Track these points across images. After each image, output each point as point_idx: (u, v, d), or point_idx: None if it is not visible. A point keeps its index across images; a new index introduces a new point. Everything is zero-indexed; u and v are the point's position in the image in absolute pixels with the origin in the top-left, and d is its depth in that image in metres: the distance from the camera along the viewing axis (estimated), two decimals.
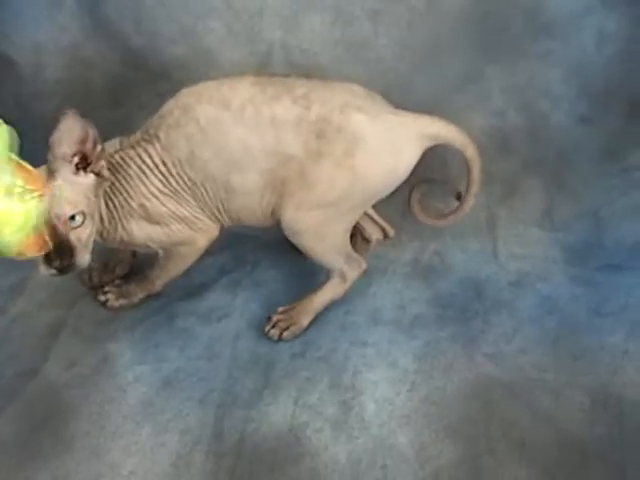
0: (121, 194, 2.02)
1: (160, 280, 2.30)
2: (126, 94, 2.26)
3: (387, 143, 1.93)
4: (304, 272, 2.40)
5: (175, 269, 2.26)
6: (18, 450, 1.92)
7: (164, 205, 2.06)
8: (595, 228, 2.44)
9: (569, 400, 1.99)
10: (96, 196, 1.91)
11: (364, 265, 2.23)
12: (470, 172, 2.07)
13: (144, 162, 2.00)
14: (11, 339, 2.24)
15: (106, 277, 2.41)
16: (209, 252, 2.22)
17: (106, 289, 2.35)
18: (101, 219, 2.01)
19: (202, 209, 2.09)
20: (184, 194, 2.04)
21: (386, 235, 2.43)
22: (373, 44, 2.42)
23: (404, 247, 2.51)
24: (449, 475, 1.82)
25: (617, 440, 1.88)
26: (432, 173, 2.27)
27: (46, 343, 2.22)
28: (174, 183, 2.02)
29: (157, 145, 1.98)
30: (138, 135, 2.04)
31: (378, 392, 2.04)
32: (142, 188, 2.02)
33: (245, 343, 2.21)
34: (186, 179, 2.01)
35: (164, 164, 1.99)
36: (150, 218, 2.07)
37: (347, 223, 2.11)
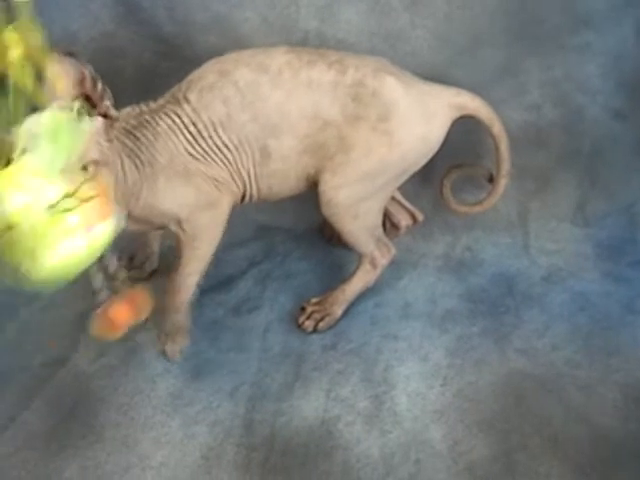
0: (148, 150, 1.92)
1: (192, 274, 2.12)
2: (158, 84, 2.22)
3: (420, 109, 1.95)
4: (334, 264, 2.39)
5: (204, 247, 2.10)
6: (47, 440, 1.92)
7: (192, 164, 1.98)
8: (628, 224, 2.43)
9: (602, 396, 1.97)
10: (109, 140, 1.74)
11: (393, 251, 2.22)
12: (498, 150, 2.10)
13: (174, 122, 1.93)
14: (40, 328, 2.24)
15: (134, 274, 2.33)
16: (239, 243, 2.21)
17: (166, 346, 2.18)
18: (124, 178, 1.87)
19: (231, 173, 2.02)
20: (213, 156, 1.97)
21: (415, 220, 2.41)
22: (409, 36, 2.40)
23: (436, 241, 2.50)
24: (483, 470, 1.80)
25: None
26: (461, 159, 2.26)
27: (75, 333, 2.21)
28: (204, 145, 1.95)
29: (186, 107, 1.93)
30: (161, 100, 2.00)
31: (410, 386, 2.03)
32: (170, 145, 1.93)
33: (275, 335, 2.20)
34: (219, 142, 1.95)
35: (194, 125, 1.93)
36: (178, 174, 1.97)
37: (381, 200, 2.10)
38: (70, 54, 1.67)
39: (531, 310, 2.25)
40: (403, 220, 2.40)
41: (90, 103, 1.68)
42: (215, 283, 2.33)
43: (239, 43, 2.41)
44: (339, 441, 1.90)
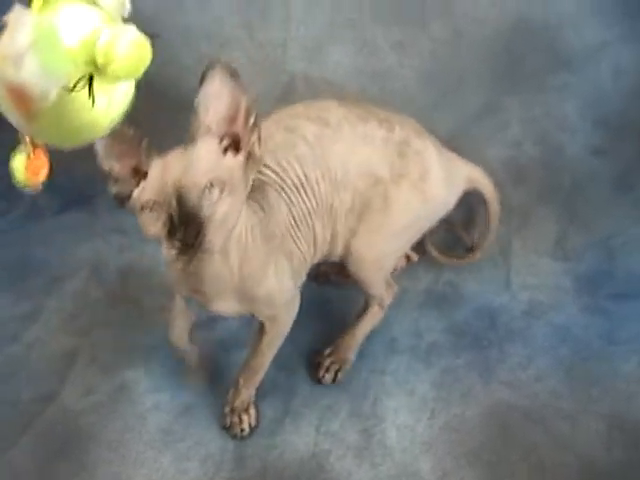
0: (268, 221, 1.72)
1: (273, 354, 2.00)
2: (144, 121, 2.24)
3: (446, 174, 1.97)
4: (320, 301, 2.38)
5: (288, 327, 1.96)
6: (36, 479, 1.92)
7: (288, 240, 1.81)
8: (606, 258, 2.47)
9: (586, 426, 2.02)
10: (245, 180, 1.54)
11: (396, 288, 2.23)
12: (488, 224, 2.19)
13: (274, 190, 1.76)
14: (27, 366, 2.22)
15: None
16: None
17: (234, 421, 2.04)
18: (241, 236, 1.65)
19: (309, 244, 1.87)
20: (301, 227, 1.83)
21: (409, 260, 2.44)
22: (397, 74, 2.46)
23: (418, 277, 2.52)
24: None
25: (635, 464, 1.92)
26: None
27: (62, 370, 2.20)
28: (295, 215, 1.80)
29: (267, 171, 1.75)
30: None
31: (399, 419, 2.06)
32: (280, 218, 1.76)
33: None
34: (304, 208, 1.81)
35: (284, 191, 1.77)
36: (285, 254, 1.80)
37: (401, 252, 2.13)
38: (233, 74, 1.46)
39: (514, 343, 2.28)
40: (399, 262, 2.41)
41: (236, 141, 1.52)
42: (204, 319, 2.32)
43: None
44: (330, 474, 1.92)
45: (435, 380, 2.17)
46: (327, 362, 2.19)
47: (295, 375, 2.20)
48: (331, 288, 2.09)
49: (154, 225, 1.47)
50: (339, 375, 2.17)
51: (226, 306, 1.78)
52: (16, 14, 1.16)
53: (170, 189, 1.43)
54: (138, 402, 2.11)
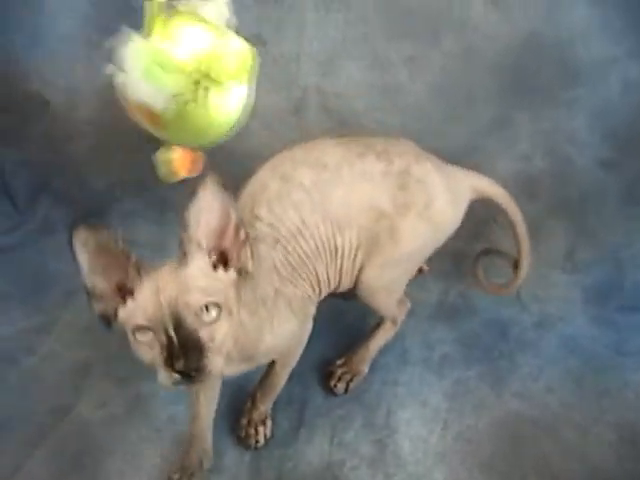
0: (254, 288, 1.68)
1: (288, 374, 2.01)
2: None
3: (451, 192, 1.95)
4: (332, 313, 2.39)
5: (300, 352, 1.98)
6: None
7: (288, 288, 1.80)
8: (615, 270, 2.50)
9: (597, 436, 2.04)
10: (238, 294, 1.52)
11: (409, 305, 2.26)
12: (516, 233, 2.12)
13: (259, 247, 1.71)
14: (42, 379, 2.24)
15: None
16: None
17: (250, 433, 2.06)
18: (244, 331, 1.64)
19: (312, 284, 1.87)
20: (300, 272, 1.82)
21: (421, 271, 2.39)
22: (408, 89, 2.47)
23: (429, 289, 2.55)
24: None
25: None
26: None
27: (77, 383, 2.23)
28: (292, 260, 1.79)
29: (260, 225, 1.74)
30: None
31: (412, 430, 2.08)
32: (270, 274, 1.74)
33: None
34: (301, 252, 1.80)
35: (279, 242, 1.76)
36: (284, 304, 1.78)
37: (411, 275, 2.11)
38: (223, 188, 1.44)
39: (524, 354, 2.31)
40: None
41: (224, 256, 1.50)
42: None
43: None
44: None
45: (447, 391, 2.19)
46: (339, 372, 2.21)
47: (309, 387, 2.22)
48: (346, 301, 2.09)
49: (150, 352, 1.38)
50: (351, 385, 2.19)
51: (231, 370, 1.72)
52: (126, 40, 1.35)
53: (166, 312, 1.35)
54: (153, 414, 2.13)
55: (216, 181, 1.41)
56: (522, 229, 2.11)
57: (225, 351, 1.45)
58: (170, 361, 1.34)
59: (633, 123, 2.30)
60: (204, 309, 1.38)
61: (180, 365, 1.33)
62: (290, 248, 1.78)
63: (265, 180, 1.81)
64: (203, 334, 1.38)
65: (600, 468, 1.95)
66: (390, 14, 2.40)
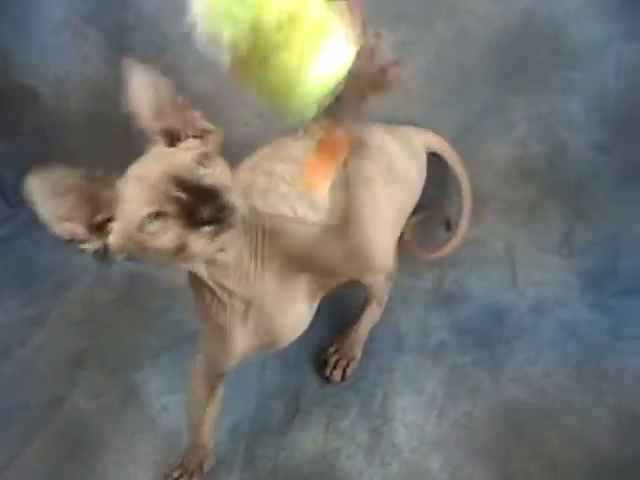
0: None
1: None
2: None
3: (408, 150, 1.99)
4: (328, 300, 2.38)
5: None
6: None
7: None
8: (612, 254, 2.47)
9: (595, 421, 2.02)
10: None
11: (390, 284, 2.25)
12: (460, 190, 2.18)
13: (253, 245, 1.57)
14: (35, 370, 2.25)
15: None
16: None
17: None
18: None
19: None
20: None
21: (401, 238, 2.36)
22: (401, 74, 2.41)
23: (424, 276, 2.53)
24: None
25: None
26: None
27: (71, 374, 2.23)
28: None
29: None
30: None
31: (408, 418, 2.07)
32: None
33: (273, 372, 2.22)
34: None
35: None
36: None
37: (395, 240, 2.06)
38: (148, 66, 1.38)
39: (521, 340, 2.29)
40: None
41: (173, 135, 1.38)
42: None
43: (228, 86, 2.44)
44: (341, 473, 1.93)
45: (443, 378, 2.18)
46: (334, 359, 2.21)
47: (304, 375, 2.21)
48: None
49: (171, 234, 1.24)
50: (347, 372, 2.19)
51: (248, 345, 1.62)
52: None
53: (163, 185, 1.24)
54: (147, 404, 2.13)
55: (138, 62, 1.38)
56: (466, 185, 2.17)
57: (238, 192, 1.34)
58: (195, 217, 1.22)
59: (629, 106, 2.27)
60: (198, 165, 1.28)
61: (206, 212, 1.22)
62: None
63: (250, 178, 1.79)
64: (207, 180, 1.26)
65: (599, 452, 1.93)
66: None
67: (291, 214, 1.74)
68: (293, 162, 1.82)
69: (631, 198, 2.38)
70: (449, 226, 2.21)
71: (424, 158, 2.07)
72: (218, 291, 1.44)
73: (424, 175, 2.06)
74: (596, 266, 2.46)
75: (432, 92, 2.34)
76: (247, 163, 1.88)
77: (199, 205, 1.22)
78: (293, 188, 1.76)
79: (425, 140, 2.12)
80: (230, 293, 1.45)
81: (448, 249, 2.27)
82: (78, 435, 2.05)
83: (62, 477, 1.94)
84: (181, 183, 1.24)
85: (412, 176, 1.99)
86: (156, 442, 2.02)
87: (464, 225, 2.19)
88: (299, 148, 1.84)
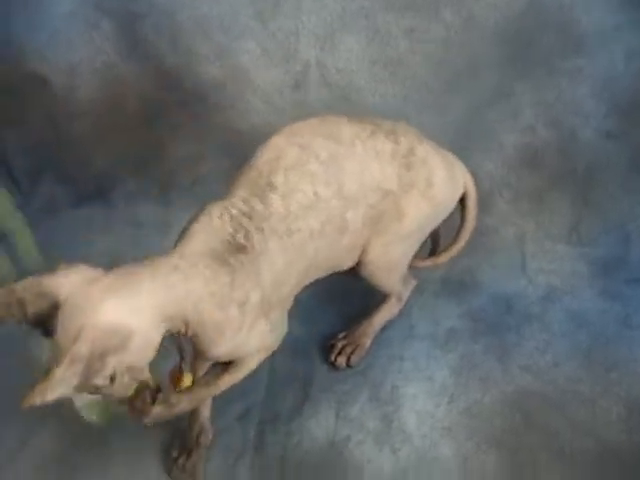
0: (246, 287, 1.57)
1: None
2: (160, 114, 2.26)
3: (450, 175, 1.96)
4: (337, 289, 2.39)
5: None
6: (60, 463, 1.94)
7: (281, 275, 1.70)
8: (621, 242, 2.47)
9: (605, 410, 2.01)
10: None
11: (414, 282, 2.28)
12: (462, 230, 2.17)
13: (271, 227, 1.63)
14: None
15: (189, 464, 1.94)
16: None
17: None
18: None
19: (308, 265, 1.78)
20: (302, 249, 1.72)
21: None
22: (409, 62, 2.46)
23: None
24: None
25: None
26: None
27: None
28: (297, 238, 1.68)
29: (274, 197, 1.66)
30: (241, 191, 1.68)
31: (418, 405, 2.06)
32: (273, 266, 1.65)
33: (282, 358, 2.17)
34: (306, 231, 1.69)
35: (286, 220, 1.66)
36: (270, 315, 1.71)
37: (413, 253, 2.09)
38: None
39: (531, 328, 2.28)
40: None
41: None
42: None
43: (240, 73, 2.46)
44: (350, 460, 1.93)
45: (454, 366, 2.17)
46: (340, 345, 2.21)
47: (313, 362, 2.21)
48: (352, 278, 2.07)
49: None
50: (352, 359, 2.19)
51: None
52: None
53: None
54: None
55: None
56: (467, 234, 2.18)
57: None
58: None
59: (637, 92, 2.27)
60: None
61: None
62: (294, 227, 1.67)
63: (282, 147, 1.74)
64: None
65: (609, 442, 1.92)
66: None
67: (310, 195, 1.69)
68: (335, 141, 1.76)
69: None
70: (433, 253, 2.23)
71: (460, 190, 2.05)
72: None
73: (454, 204, 2.04)
74: (606, 254, 2.45)
75: (440, 79, 2.33)
76: (288, 128, 1.82)
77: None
78: (325, 169, 1.73)
79: (465, 177, 2.07)
80: None
81: (441, 259, 2.26)
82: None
83: (73, 459, 1.94)
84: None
85: (446, 198, 1.97)
86: (166, 425, 2.00)
87: (458, 249, 2.21)
88: (348, 131, 1.81)
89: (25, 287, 1.37)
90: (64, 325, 1.31)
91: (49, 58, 2.63)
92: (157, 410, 1.57)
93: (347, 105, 2.38)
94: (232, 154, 2.32)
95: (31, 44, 2.65)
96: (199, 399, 1.77)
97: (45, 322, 1.38)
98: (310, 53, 2.51)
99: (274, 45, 2.49)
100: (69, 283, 1.36)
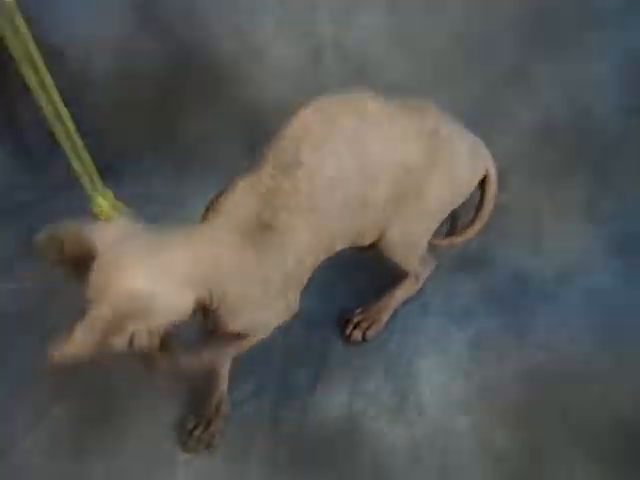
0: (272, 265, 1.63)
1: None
2: (173, 88, 2.25)
3: (472, 158, 1.97)
4: (355, 265, 2.39)
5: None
6: (75, 441, 1.93)
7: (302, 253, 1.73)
8: (638, 221, 2.46)
9: (619, 387, 2.01)
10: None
11: (434, 264, 2.27)
12: (483, 203, 2.15)
13: (298, 206, 1.66)
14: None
15: (206, 436, 1.95)
16: None
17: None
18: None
19: (321, 239, 1.77)
20: (326, 226, 1.74)
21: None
22: (426, 38, 2.45)
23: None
24: (510, 459, 1.83)
25: None
26: None
27: None
28: (321, 215, 1.71)
29: (300, 173, 1.67)
30: (268, 168, 1.69)
31: (433, 379, 2.06)
32: (296, 247, 1.69)
33: (297, 333, 2.22)
34: (328, 208, 1.71)
35: (311, 197, 1.68)
36: (295, 281, 1.74)
37: (432, 232, 2.09)
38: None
39: (546, 306, 2.28)
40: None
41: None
42: None
43: (255, 49, 2.45)
44: (366, 434, 1.92)
45: (469, 341, 2.18)
46: (355, 320, 2.22)
47: (329, 337, 2.21)
48: (369, 254, 2.07)
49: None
50: (368, 333, 2.20)
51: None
52: None
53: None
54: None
55: None
56: (485, 217, 2.17)
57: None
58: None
59: None
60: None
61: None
62: (319, 204, 1.68)
63: (308, 123, 1.72)
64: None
65: (624, 418, 1.92)
66: None
67: (335, 172, 1.69)
68: (361, 118, 1.75)
69: None
70: (450, 234, 2.23)
71: (481, 172, 2.04)
72: None
73: (474, 186, 2.04)
74: (622, 233, 2.44)
75: (457, 56, 2.33)
76: (314, 103, 1.77)
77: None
78: (350, 145, 1.71)
79: (487, 160, 2.07)
80: None
81: (459, 239, 2.26)
82: (107, 395, 2.06)
83: (86, 440, 1.94)
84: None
85: (467, 179, 1.98)
86: (180, 403, 2.03)
87: (476, 229, 2.20)
88: (373, 108, 1.78)
89: (67, 230, 1.39)
90: (94, 279, 1.33)
91: (65, 30, 2.63)
92: (164, 363, 1.55)
93: (363, 80, 2.37)
94: (247, 130, 2.32)
95: (47, 16, 2.65)
96: (205, 361, 1.74)
97: (80, 268, 1.41)
98: (327, 29, 2.50)
99: (290, 21, 2.48)
100: (107, 237, 1.38)
